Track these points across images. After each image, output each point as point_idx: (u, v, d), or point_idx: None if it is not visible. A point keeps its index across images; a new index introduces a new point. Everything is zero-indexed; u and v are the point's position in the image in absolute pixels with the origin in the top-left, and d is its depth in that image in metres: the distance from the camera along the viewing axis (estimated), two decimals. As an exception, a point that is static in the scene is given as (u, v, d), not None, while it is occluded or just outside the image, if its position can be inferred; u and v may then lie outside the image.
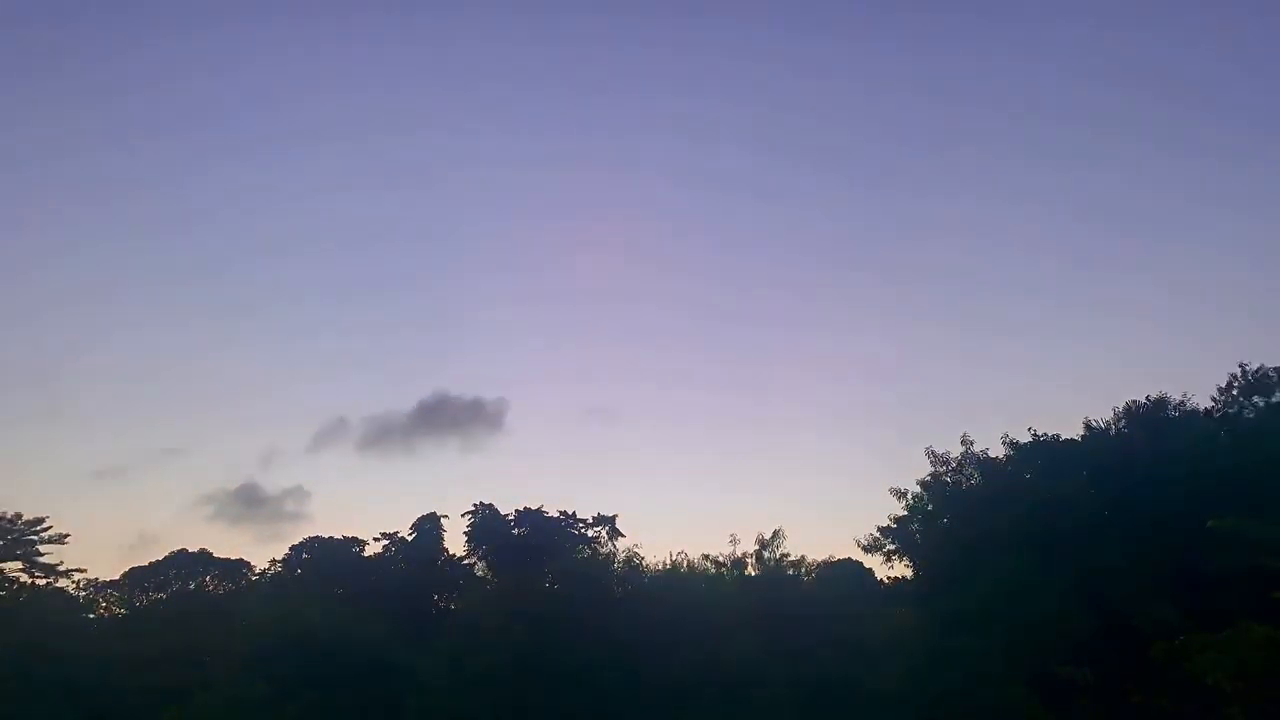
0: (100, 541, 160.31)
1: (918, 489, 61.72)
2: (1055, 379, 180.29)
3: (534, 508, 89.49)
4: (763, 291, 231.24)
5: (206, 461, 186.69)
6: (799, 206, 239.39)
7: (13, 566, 77.06)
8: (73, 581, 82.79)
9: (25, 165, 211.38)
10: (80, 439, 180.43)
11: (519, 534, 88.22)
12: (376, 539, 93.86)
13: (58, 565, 78.95)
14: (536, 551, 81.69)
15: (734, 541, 67.77)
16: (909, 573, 65.36)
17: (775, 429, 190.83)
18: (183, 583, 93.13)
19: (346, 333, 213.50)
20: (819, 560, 73.29)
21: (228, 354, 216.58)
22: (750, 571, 67.34)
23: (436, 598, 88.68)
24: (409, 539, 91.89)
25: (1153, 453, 52.37)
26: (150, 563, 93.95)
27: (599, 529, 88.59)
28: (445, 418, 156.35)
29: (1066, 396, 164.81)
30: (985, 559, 51.97)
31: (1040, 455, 57.73)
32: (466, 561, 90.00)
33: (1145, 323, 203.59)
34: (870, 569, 79.00)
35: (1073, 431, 58.58)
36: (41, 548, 77.87)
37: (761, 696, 47.96)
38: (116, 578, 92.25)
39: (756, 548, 67.76)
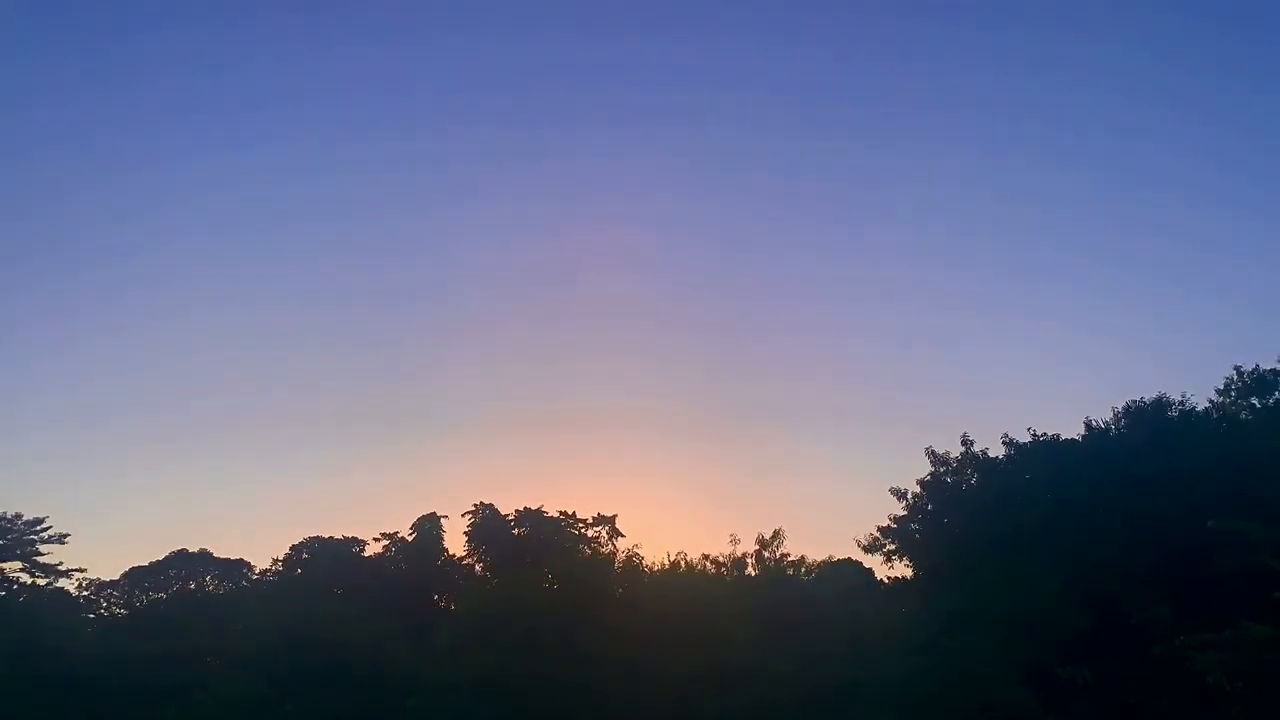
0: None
1: (917, 489, 61.89)
2: (1055, 379, 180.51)
3: (534, 508, 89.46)
4: (762, 291, 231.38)
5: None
6: (797, 205, 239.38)
7: (13, 566, 77.07)
8: (73, 581, 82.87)
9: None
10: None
11: (519, 534, 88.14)
12: (376, 539, 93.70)
13: (58, 565, 78.99)
14: (536, 551, 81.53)
15: (734, 541, 67.87)
16: (909, 573, 65.48)
17: (775, 429, 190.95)
18: (183, 583, 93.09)
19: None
20: (819, 560, 73.31)
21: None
22: (750, 571, 67.34)
23: (436, 598, 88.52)
24: (409, 539, 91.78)
25: (1153, 452, 52.38)
26: (150, 563, 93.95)
27: (599, 529, 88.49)
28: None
29: (1066, 396, 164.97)
30: (985, 559, 52.05)
31: (1040, 455, 57.79)
32: (466, 561, 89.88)
33: (1145, 322, 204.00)
34: (870, 569, 79.11)
35: (1073, 431, 58.74)
36: (41, 548, 77.93)
37: (761, 696, 47.89)
38: (116, 578, 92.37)
39: (756, 548, 67.86)
